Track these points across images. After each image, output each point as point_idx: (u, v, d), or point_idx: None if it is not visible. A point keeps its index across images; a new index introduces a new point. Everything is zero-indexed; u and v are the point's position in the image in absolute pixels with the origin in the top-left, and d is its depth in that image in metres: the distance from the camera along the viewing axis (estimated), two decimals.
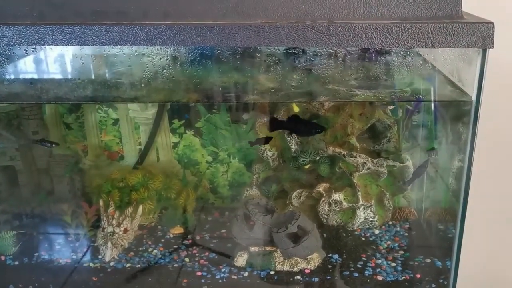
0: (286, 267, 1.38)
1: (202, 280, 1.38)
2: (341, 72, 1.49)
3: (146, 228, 1.64)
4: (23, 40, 1.14)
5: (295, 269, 1.38)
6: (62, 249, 1.53)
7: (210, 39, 1.12)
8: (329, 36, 1.09)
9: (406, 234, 1.57)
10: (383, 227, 1.60)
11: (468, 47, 1.09)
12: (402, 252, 1.48)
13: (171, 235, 1.60)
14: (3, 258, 1.48)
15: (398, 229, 1.60)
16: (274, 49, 1.46)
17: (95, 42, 1.13)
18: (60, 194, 1.64)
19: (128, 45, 1.14)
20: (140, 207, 1.58)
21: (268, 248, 1.41)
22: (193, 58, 1.52)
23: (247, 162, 1.79)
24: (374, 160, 1.51)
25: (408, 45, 1.08)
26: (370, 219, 1.55)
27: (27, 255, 1.50)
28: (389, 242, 1.53)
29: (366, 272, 1.38)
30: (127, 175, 1.65)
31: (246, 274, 1.39)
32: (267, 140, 1.58)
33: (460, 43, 1.08)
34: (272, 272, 1.39)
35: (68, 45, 1.13)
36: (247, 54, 1.48)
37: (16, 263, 1.47)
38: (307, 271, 1.38)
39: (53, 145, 1.62)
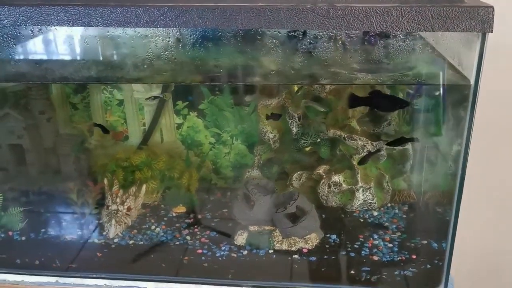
0: (284, 246, 1.42)
1: (203, 258, 1.42)
2: (342, 55, 1.51)
3: (149, 207, 1.68)
4: (29, 21, 1.17)
5: (293, 248, 1.41)
6: (68, 225, 1.58)
7: (212, 21, 1.14)
8: (329, 19, 1.11)
9: (404, 216, 1.60)
10: (382, 209, 1.62)
11: (468, 31, 1.10)
12: (399, 234, 1.50)
13: (174, 214, 1.64)
14: (10, 233, 1.53)
15: (396, 211, 1.62)
16: (275, 31, 1.49)
17: (99, 23, 1.15)
18: (66, 173, 1.68)
19: (131, 27, 1.16)
20: (144, 186, 1.61)
21: (267, 228, 1.45)
22: (196, 40, 1.55)
23: (249, 144, 1.82)
24: (374, 143, 1.53)
25: (407, 29, 1.10)
26: (369, 201, 1.57)
27: (34, 231, 1.54)
28: (387, 224, 1.55)
29: (362, 252, 1.41)
30: (131, 155, 1.69)
31: (245, 252, 1.43)
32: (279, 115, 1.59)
33: (460, 27, 1.09)
34: (270, 251, 1.42)
35: (72, 26, 1.16)
36: (249, 37, 1.50)
37: (23, 238, 1.52)
38: (305, 250, 1.41)
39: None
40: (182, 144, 1.83)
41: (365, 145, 1.52)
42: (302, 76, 1.50)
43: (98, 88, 1.77)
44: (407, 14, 1.08)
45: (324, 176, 1.58)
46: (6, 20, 1.17)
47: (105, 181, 1.60)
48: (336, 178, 1.56)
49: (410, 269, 1.36)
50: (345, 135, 1.53)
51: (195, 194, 1.71)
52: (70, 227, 1.57)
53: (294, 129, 1.58)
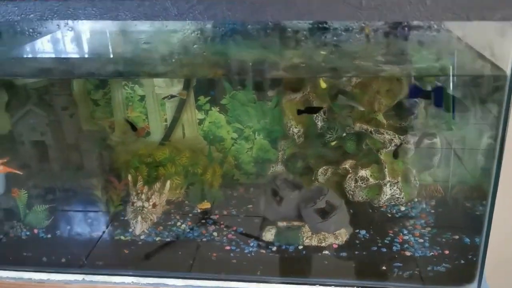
0: (314, 242, 1.40)
1: (231, 254, 1.40)
2: (368, 48, 1.49)
3: (173, 203, 1.66)
4: (55, 15, 1.15)
5: (323, 244, 1.39)
6: (93, 222, 1.57)
7: (241, 13, 1.11)
8: (361, 10, 1.08)
9: (433, 211, 1.57)
10: (409, 204, 1.59)
11: (504, 21, 1.07)
12: (429, 229, 1.48)
13: (199, 210, 1.63)
14: (36, 231, 1.52)
15: (424, 206, 1.60)
16: (299, 23, 1.46)
17: (127, 17, 1.13)
18: (89, 169, 1.67)
19: (159, 20, 1.14)
20: (168, 183, 1.60)
21: (296, 223, 1.43)
22: (219, 34, 1.53)
23: (271, 139, 1.80)
24: (401, 137, 1.50)
25: (442, 18, 1.06)
26: (397, 195, 1.55)
27: (59, 229, 1.54)
28: (415, 219, 1.53)
29: (394, 248, 1.38)
30: (155, 151, 1.67)
31: (274, 248, 1.41)
32: (317, 109, 1.56)
33: (496, 16, 1.06)
34: (300, 247, 1.40)
35: (100, 19, 1.14)
36: (273, 29, 1.48)
37: (49, 236, 1.51)
38: (335, 246, 1.39)
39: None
40: (204, 140, 1.82)
41: (392, 139, 1.49)
42: (327, 69, 1.48)
43: (119, 83, 1.76)
44: (442, 4, 1.05)
45: (351, 171, 1.55)
46: (33, 15, 1.16)
47: (129, 178, 1.59)
48: (363, 172, 1.53)
49: (443, 264, 1.33)
50: (372, 129, 1.50)
51: (219, 190, 1.69)
52: (95, 224, 1.56)
53: (320, 124, 1.56)
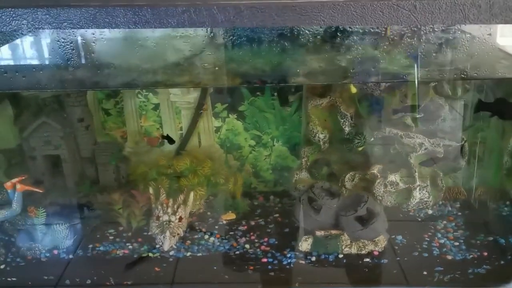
0: (353, 250, 1.37)
1: (269, 267, 1.36)
2: (393, 51, 1.48)
3: (195, 215, 1.60)
4: (91, 23, 1.08)
5: (363, 252, 1.37)
6: (116, 239, 1.49)
7: (292, 19, 1.08)
8: (415, 13, 1.07)
9: (459, 213, 1.58)
10: (435, 207, 1.60)
11: None
12: (462, 231, 1.48)
13: (224, 221, 1.57)
14: (56, 252, 1.43)
15: (450, 208, 1.60)
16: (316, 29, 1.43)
17: (170, 24, 1.08)
18: (106, 183, 1.59)
19: (205, 27, 1.09)
20: (191, 194, 1.54)
21: (333, 232, 1.40)
22: (234, 40, 1.49)
23: (290, 145, 1.76)
24: (431, 140, 1.50)
25: (499, 21, 1.06)
26: (425, 199, 1.54)
27: (81, 248, 1.45)
28: (445, 222, 1.53)
29: (434, 252, 1.38)
30: (174, 162, 1.61)
31: (313, 258, 1.37)
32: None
33: None
34: (340, 256, 1.37)
35: (141, 28, 1.08)
36: (290, 34, 1.44)
37: (71, 256, 1.42)
38: (375, 253, 1.37)
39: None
40: (220, 148, 1.77)
41: (423, 143, 1.49)
42: (353, 74, 1.46)
43: (132, 92, 1.69)
44: (497, 6, 1.05)
45: (379, 176, 1.54)
46: (66, 23, 1.09)
47: (150, 190, 1.52)
48: (393, 177, 1.52)
49: (483, 266, 1.34)
50: (402, 133, 1.50)
51: (243, 200, 1.64)
52: (118, 241, 1.48)
53: (347, 129, 1.54)
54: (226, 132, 1.75)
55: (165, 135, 1.66)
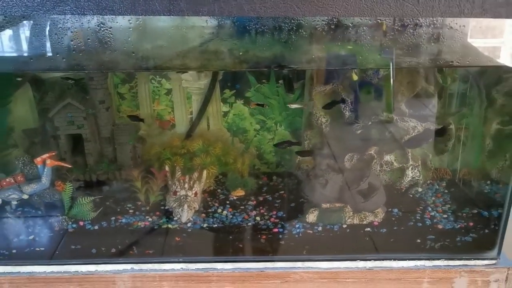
0: (355, 221, 1.53)
1: (280, 236, 1.50)
2: (389, 42, 1.62)
3: (206, 192, 1.73)
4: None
5: (364, 222, 1.53)
6: (136, 212, 1.60)
7: (310, 10, 1.21)
8: (418, 7, 1.21)
9: (446, 191, 1.75)
10: (424, 185, 1.76)
11: None
12: (449, 206, 1.65)
13: (234, 197, 1.70)
14: (82, 223, 1.54)
15: (437, 187, 1.77)
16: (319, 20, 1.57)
17: (203, 12, 1.20)
18: (124, 161, 1.70)
19: (232, 15, 1.22)
20: (205, 172, 1.66)
21: (337, 204, 1.55)
22: (240, 29, 1.61)
23: (292, 129, 1.91)
24: (423, 124, 1.66)
25: (490, 15, 1.22)
26: (416, 178, 1.71)
27: (105, 220, 1.56)
28: (433, 198, 1.70)
29: (427, 222, 1.55)
30: (188, 142, 1.73)
31: (320, 228, 1.52)
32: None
33: None
34: (344, 226, 1.53)
35: (176, 15, 1.20)
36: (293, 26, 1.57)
37: (96, 227, 1.53)
38: (375, 223, 1.53)
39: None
40: (227, 131, 1.90)
41: (415, 126, 1.66)
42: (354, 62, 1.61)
43: (146, 77, 1.80)
44: (487, 2, 1.20)
45: (376, 156, 1.70)
46: (106, 10, 1.20)
47: (167, 168, 1.64)
48: (388, 157, 1.68)
49: (470, 235, 1.51)
50: (397, 118, 1.65)
51: (251, 178, 1.78)
52: (138, 214, 1.59)
53: (347, 114, 1.69)
54: (233, 117, 1.88)
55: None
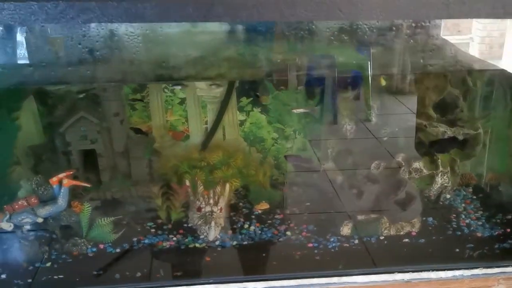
0: (392, 232, 1.46)
1: (315, 251, 1.42)
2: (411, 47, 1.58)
3: (228, 206, 1.64)
4: None
5: (401, 233, 1.47)
6: (158, 231, 1.50)
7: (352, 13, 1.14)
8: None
9: (474, 197, 1.71)
10: (451, 192, 1.72)
11: None
12: (481, 212, 1.61)
13: (258, 211, 1.62)
14: (102, 246, 1.43)
15: (464, 193, 1.73)
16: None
17: (242, 17, 1.12)
18: (139, 177, 1.59)
19: (272, 20, 1.15)
20: (227, 185, 1.57)
21: (373, 215, 1.48)
22: (255, 35, 1.55)
23: (312, 137, 1.83)
24: (452, 129, 1.61)
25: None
26: (445, 184, 1.66)
27: (126, 241, 1.45)
28: (463, 205, 1.66)
29: (465, 231, 1.49)
30: (207, 154, 1.64)
31: (356, 241, 1.45)
32: None
33: None
34: (381, 237, 1.46)
35: (212, 21, 1.11)
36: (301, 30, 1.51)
37: (118, 250, 1.42)
38: (413, 233, 1.47)
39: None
40: (244, 141, 1.81)
41: (445, 131, 1.60)
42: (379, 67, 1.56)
43: (158, 86, 1.70)
44: None
45: (403, 164, 1.64)
46: (135, 17, 1.10)
47: (187, 182, 1.54)
48: (417, 164, 1.62)
49: (509, 241, 1.47)
50: (426, 123, 1.60)
51: (275, 190, 1.69)
52: (160, 233, 1.49)
53: (374, 120, 1.63)
54: (250, 126, 1.80)
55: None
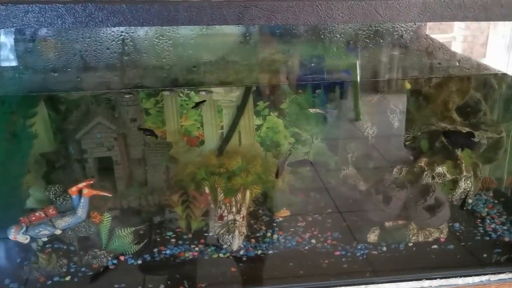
0: (420, 238, 1.43)
1: (343, 259, 1.38)
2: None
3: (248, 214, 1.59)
4: None
5: (430, 239, 1.43)
6: (178, 241, 1.44)
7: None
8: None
9: (496, 201, 1.68)
10: (473, 196, 1.69)
11: None
12: (505, 217, 1.58)
13: (279, 219, 1.58)
14: (122, 258, 1.37)
15: (485, 197, 1.71)
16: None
17: (276, 20, 1.08)
18: (156, 184, 1.53)
19: (307, 23, 1.10)
20: (248, 192, 1.52)
21: (401, 222, 1.45)
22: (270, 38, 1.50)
23: (330, 142, 1.79)
24: (476, 133, 1.59)
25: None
26: (468, 189, 1.63)
27: (147, 252, 1.39)
28: (486, 209, 1.63)
29: (493, 236, 1.47)
30: (226, 160, 1.59)
31: (384, 248, 1.42)
32: None
33: None
34: (410, 244, 1.43)
35: (246, 24, 1.07)
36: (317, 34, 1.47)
37: (139, 262, 1.37)
38: (442, 240, 1.44)
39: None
40: (260, 146, 1.77)
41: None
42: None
43: (173, 91, 1.64)
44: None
45: (426, 168, 1.61)
46: (167, 20, 1.05)
47: (207, 190, 1.48)
48: (440, 169, 1.59)
49: None
50: (450, 127, 1.57)
51: (295, 196, 1.65)
52: (181, 243, 1.43)
53: (396, 124, 1.60)
54: (267, 130, 1.76)
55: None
